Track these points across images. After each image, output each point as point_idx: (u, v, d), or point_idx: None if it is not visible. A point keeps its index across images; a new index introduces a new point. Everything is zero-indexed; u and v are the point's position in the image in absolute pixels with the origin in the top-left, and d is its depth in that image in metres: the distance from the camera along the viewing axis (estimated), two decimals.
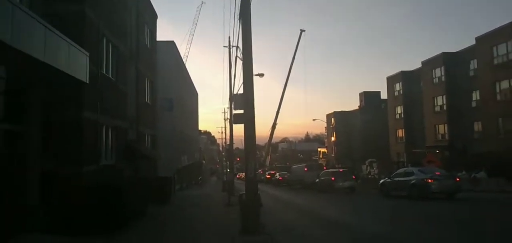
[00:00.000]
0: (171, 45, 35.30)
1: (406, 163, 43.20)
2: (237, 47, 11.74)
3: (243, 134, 10.16)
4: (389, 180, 23.11)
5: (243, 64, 10.11)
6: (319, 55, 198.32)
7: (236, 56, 14.53)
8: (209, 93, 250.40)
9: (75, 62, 9.02)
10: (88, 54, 9.79)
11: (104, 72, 14.01)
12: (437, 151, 43.02)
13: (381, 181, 24.70)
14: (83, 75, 9.48)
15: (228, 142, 41.62)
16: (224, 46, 30.97)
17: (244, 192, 10.80)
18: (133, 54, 18.88)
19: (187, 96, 46.75)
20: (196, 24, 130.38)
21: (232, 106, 30.11)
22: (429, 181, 19.28)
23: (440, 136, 42.58)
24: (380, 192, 23.61)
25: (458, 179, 20.43)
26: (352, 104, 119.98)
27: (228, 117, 40.27)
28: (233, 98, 10.67)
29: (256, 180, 10.53)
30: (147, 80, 21.94)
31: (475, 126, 38.69)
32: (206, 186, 52.76)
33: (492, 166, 27.28)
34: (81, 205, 10.21)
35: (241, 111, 10.82)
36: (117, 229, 10.59)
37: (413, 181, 20.11)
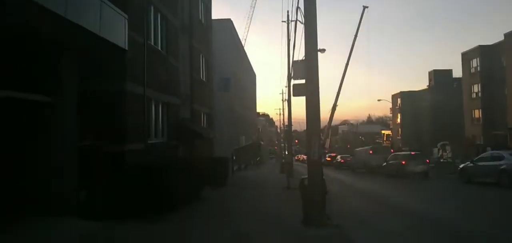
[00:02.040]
0: (227, 23, 34.12)
1: (484, 147, 39.01)
2: (298, 8, 9.94)
3: (302, 114, 8.48)
4: (471, 164, 20.29)
5: (304, 19, 8.36)
6: (384, 33, 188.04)
7: (296, 21, 12.72)
8: (267, 76, 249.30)
9: (110, 24, 7.82)
10: (126, 16, 8.57)
11: (152, 43, 12.92)
12: None
13: (461, 166, 21.80)
14: (121, 40, 8.28)
15: (286, 123, 40.00)
16: (283, 21, 29.13)
17: (306, 176, 9.15)
18: (186, 27, 17.75)
19: (245, 76, 45.64)
20: (253, 7, 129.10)
21: (291, 84, 28.49)
22: None
23: None
24: (460, 178, 20.84)
25: None
26: (419, 83, 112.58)
27: (286, 98, 38.65)
28: (293, 65, 8.96)
29: (320, 163, 8.82)
30: (202, 56, 20.83)
31: None
32: (264, 167, 51.77)
33: None
34: (124, 187, 9.20)
35: (302, 81, 9.10)
36: (162, 215, 9.48)
37: (503, 166, 17.32)
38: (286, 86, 32.86)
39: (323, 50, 27.85)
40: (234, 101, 34.29)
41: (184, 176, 11.35)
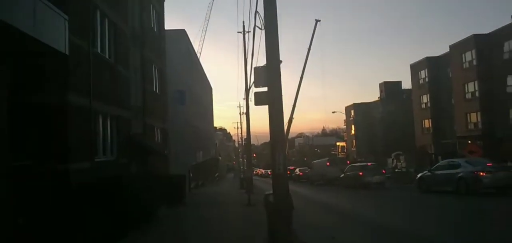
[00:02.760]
0: (181, 33, 33.17)
1: (434, 156, 40.26)
2: (257, 12, 9.34)
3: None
4: (429, 173, 20.55)
5: (264, 20, 7.76)
6: (336, 47, 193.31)
7: (254, 27, 12.13)
8: (223, 90, 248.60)
9: (47, 25, 6.78)
10: (67, 18, 7.54)
11: (99, 51, 11.81)
12: (469, 142, 39.96)
13: (419, 175, 22.03)
14: (60, 43, 7.23)
15: (244, 137, 39.37)
16: (238, 32, 28.65)
17: (270, 192, 8.46)
18: (137, 35, 16.69)
19: (201, 89, 44.64)
20: (208, 20, 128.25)
21: (248, 97, 27.90)
22: (481, 174, 16.69)
23: (472, 125, 39.42)
24: (419, 188, 20.99)
25: None
26: (372, 95, 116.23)
27: (243, 112, 38.02)
28: (254, 71, 8.27)
29: (286, 177, 8.17)
30: (155, 67, 19.74)
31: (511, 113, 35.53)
32: (223, 183, 50.77)
33: None
34: (68, 211, 8.06)
35: (264, 89, 8.46)
36: (113, 240, 8.41)
37: (460, 174, 17.52)
38: (244, 99, 32.26)
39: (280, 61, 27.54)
40: (190, 115, 33.18)
41: (137, 196, 10.31)
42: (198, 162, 37.66)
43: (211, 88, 57.84)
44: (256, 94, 8.56)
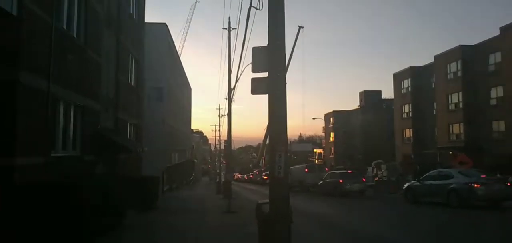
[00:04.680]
0: (163, 27, 31.25)
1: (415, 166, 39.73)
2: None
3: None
4: (417, 183, 19.63)
5: None
6: (318, 54, 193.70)
7: (250, 6, 10.56)
8: (201, 93, 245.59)
9: None
10: None
11: (65, 27, 10.04)
12: (451, 153, 39.59)
13: (406, 185, 21.05)
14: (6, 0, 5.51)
15: (223, 140, 37.72)
16: (223, 28, 27.09)
17: (265, 201, 6.95)
18: (113, 19, 14.88)
19: (180, 88, 42.70)
20: (189, 22, 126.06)
21: (231, 97, 26.36)
22: (476, 186, 15.95)
23: (454, 136, 39.03)
24: (405, 198, 20.02)
25: (509, 184, 16.74)
26: (352, 104, 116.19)
27: (223, 114, 36.37)
28: (253, 52, 6.71)
29: (287, 183, 6.66)
30: (132, 57, 17.95)
31: (494, 126, 35.27)
32: (198, 186, 48.90)
33: None
34: (14, 216, 6.34)
35: (264, 75, 6.98)
36: None
37: (452, 186, 16.72)
38: (225, 98, 30.72)
39: None
40: (167, 113, 31.27)
41: (102, 199, 8.61)
42: (173, 164, 35.73)
43: (190, 88, 55.84)
44: (253, 80, 7.02)
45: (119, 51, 15.65)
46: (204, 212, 15.99)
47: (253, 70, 6.96)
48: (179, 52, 50.89)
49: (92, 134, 12.01)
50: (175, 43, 40.33)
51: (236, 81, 24.01)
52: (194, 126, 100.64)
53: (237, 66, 41.02)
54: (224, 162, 60.03)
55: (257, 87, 7.06)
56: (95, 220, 7.98)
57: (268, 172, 44.33)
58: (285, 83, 6.70)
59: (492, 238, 9.97)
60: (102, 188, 9.18)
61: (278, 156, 6.53)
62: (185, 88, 49.21)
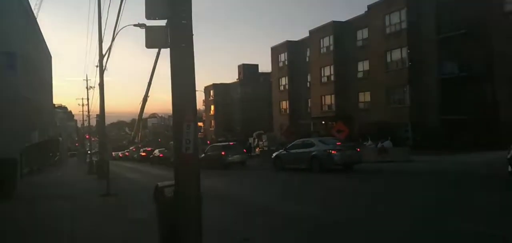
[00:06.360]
0: None
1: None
2: None
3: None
4: (284, 152, 20.91)
5: None
6: (197, 29, 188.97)
7: None
8: (64, 63, 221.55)
9: None
10: None
11: None
12: (323, 122, 42.37)
13: (274, 154, 22.40)
14: None
15: (92, 116, 33.77)
16: None
17: (167, 183, 5.48)
18: None
19: (38, 55, 36.71)
20: None
21: (104, 62, 23.31)
22: (333, 152, 17.96)
23: (326, 107, 41.72)
24: (274, 166, 21.40)
25: (359, 149, 20.05)
26: (231, 77, 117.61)
27: (91, 86, 32.35)
28: None
29: (197, 160, 5.25)
30: None
31: (361, 97, 38.62)
32: (65, 167, 43.79)
33: (382, 135, 27.29)
34: None
35: (161, 23, 5.43)
36: None
37: (314, 153, 18.47)
38: (96, 66, 27.35)
39: (142, 25, 23.60)
40: (22, 85, 26.33)
41: None
42: (33, 143, 30.77)
43: (50, 57, 48.74)
44: (148, 30, 5.34)
45: None
46: (76, 198, 13.55)
47: (147, 16, 5.27)
48: (35, 13, 43.81)
49: None
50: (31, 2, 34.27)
51: (112, 40, 21.29)
52: (57, 100, 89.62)
53: (114, 26, 36.92)
54: (94, 139, 54.73)
55: (153, 39, 5.41)
56: None
57: (147, 148, 41.96)
58: (192, 34, 5.23)
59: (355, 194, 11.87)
60: None
61: (186, 127, 5.09)
62: (44, 56, 42.76)
